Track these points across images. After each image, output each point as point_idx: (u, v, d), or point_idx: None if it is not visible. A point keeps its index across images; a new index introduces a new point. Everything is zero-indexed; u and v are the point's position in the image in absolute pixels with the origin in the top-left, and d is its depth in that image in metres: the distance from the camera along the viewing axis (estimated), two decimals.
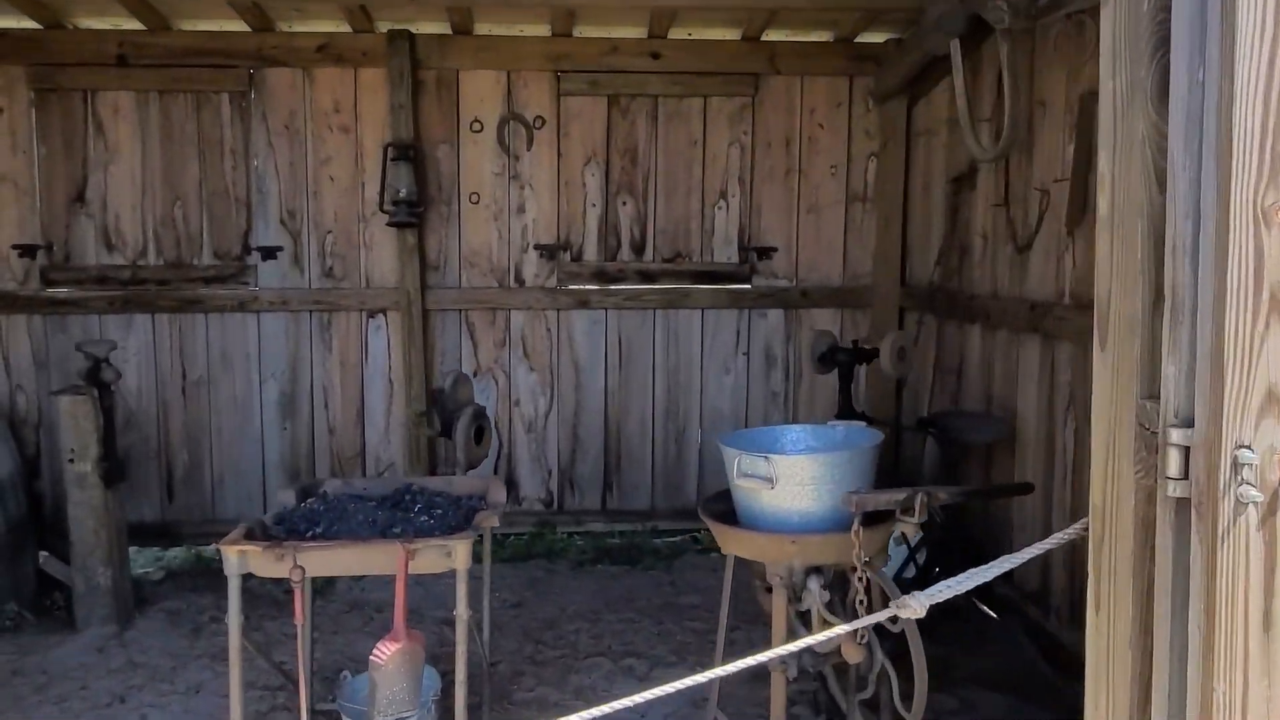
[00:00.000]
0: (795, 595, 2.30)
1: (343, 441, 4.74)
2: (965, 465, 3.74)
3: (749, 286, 4.84)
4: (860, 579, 2.05)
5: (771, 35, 4.64)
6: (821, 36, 4.68)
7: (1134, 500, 1.25)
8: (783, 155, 4.79)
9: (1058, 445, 3.34)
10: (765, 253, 4.82)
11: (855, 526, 2.05)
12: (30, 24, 4.34)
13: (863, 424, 2.64)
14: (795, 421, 4.91)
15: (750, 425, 4.91)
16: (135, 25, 4.39)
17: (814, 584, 2.23)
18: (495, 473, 4.67)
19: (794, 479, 2.20)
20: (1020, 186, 3.60)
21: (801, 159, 4.80)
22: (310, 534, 2.36)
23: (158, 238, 4.56)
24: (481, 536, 2.56)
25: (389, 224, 4.46)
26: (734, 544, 2.35)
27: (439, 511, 2.56)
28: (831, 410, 4.91)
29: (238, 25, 4.43)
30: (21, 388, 4.56)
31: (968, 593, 3.71)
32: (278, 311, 4.63)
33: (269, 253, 4.60)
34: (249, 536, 2.26)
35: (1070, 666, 3.19)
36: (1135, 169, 1.21)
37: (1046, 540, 1.63)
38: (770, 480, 2.19)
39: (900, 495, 2.13)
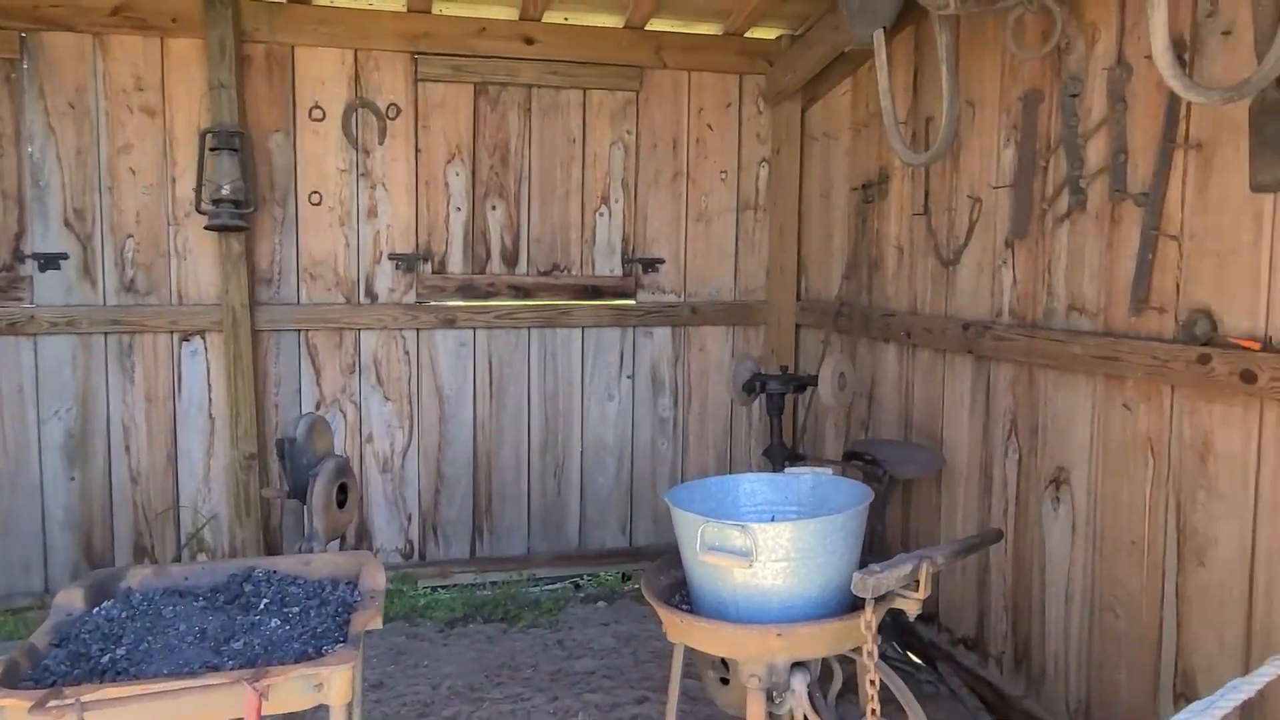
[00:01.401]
0: (772, 696, 1.82)
1: (149, 493, 3.87)
2: (889, 502, 3.40)
3: (634, 302, 4.36)
4: (872, 681, 1.60)
5: (657, 25, 4.19)
6: (710, 29, 4.28)
7: None
8: (670, 157, 4.35)
9: (996, 477, 3.05)
10: (651, 265, 4.36)
11: (868, 616, 1.59)
12: None
13: (827, 469, 2.21)
14: (685, 450, 4.49)
15: (637, 455, 4.44)
16: None
17: (799, 683, 1.76)
18: None
19: (776, 553, 1.72)
20: (945, 194, 3.31)
21: (690, 162, 4.38)
22: (108, 659, 1.66)
23: None
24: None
25: (208, 227, 3.67)
26: (700, 638, 1.84)
27: (295, 609, 1.90)
28: (723, 438, 4.53)
29: None
30: None
31: (895, 642, 3.37)
32: (62, 334, 3.72)
33: (49, 261, 3.69)
34: (9, 674, 1.53)
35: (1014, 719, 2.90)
36: None
37: (1256, 676, 1.20)
38: (748, 555, 1.70)
39: (908, 568, 1.70)
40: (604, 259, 4.31)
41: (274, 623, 1.82)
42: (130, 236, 3.77)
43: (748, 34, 4.30)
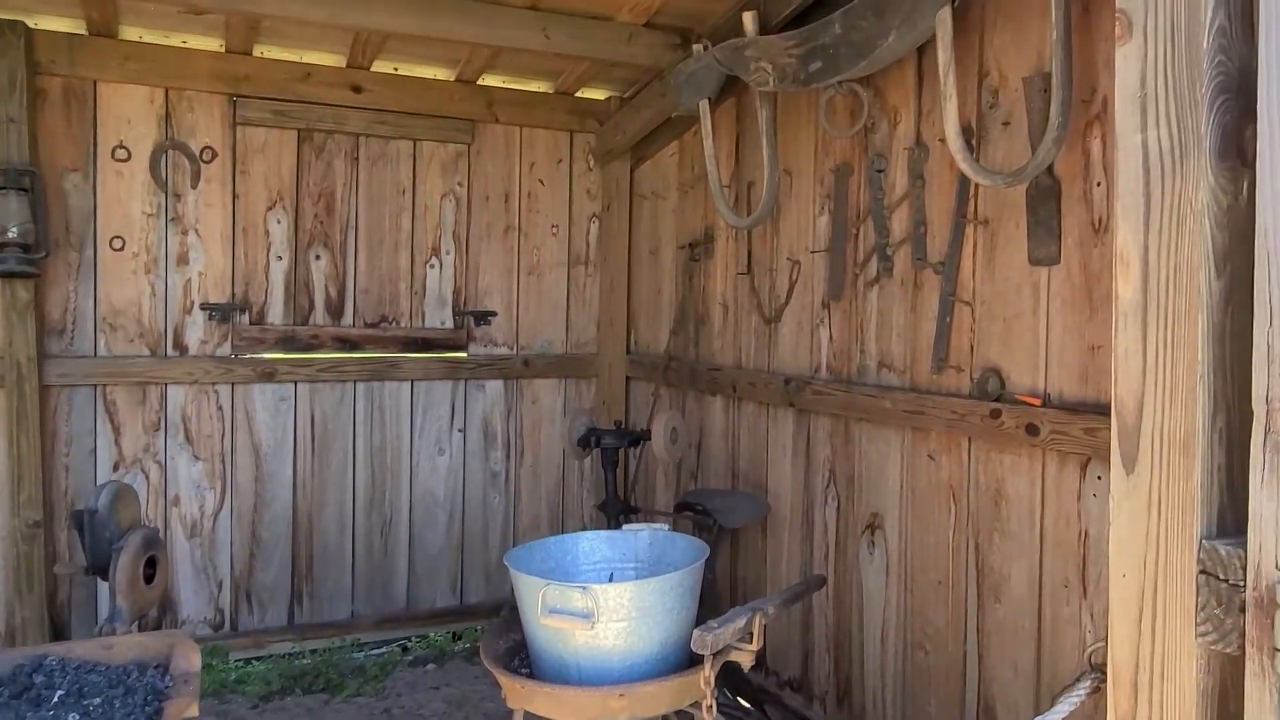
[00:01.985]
0: None
1: None
2: (718, 550, 3.51)
3: (466, 355, 4.31)
4: None
5: (490, 80, 4.22)
6: (542, 87, 4.36)
7: (1194, 670, 0.97)
8: (502, 211, 4.36)
9: (817, 523, 3.22)
10: (483, 317, 4.33)
11: (706, 672, 1.64)
12: None
13: (664, 525, 2.26)
14: (518, 504, 4.45)
15: (469, 510, 4.36)
16: None
17: None
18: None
19: (618, 613, 1.74)
20: (766, 255, 3.50)
21: (521, 216, 4.41)
22: None
23: None
24: None
25: None
26: (542, 703, 1.82)
27: (96, 701, 1.73)
28: (556, 491, 4.53)
29: None
30: None
31: (726, 688, 3.46)
32: None
33: None
34: None
35: None
36: (1189, 247, 0.96)
37: (1055, 711, 1.31)
38: (589, 617, 1.71)
39: (742, 621, 1.76)
40: (434, 311, 4.24)
41: (72, 718, 1.65)
42: None
43: (578, 93, 4.41)
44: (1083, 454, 2.24)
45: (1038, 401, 2.36)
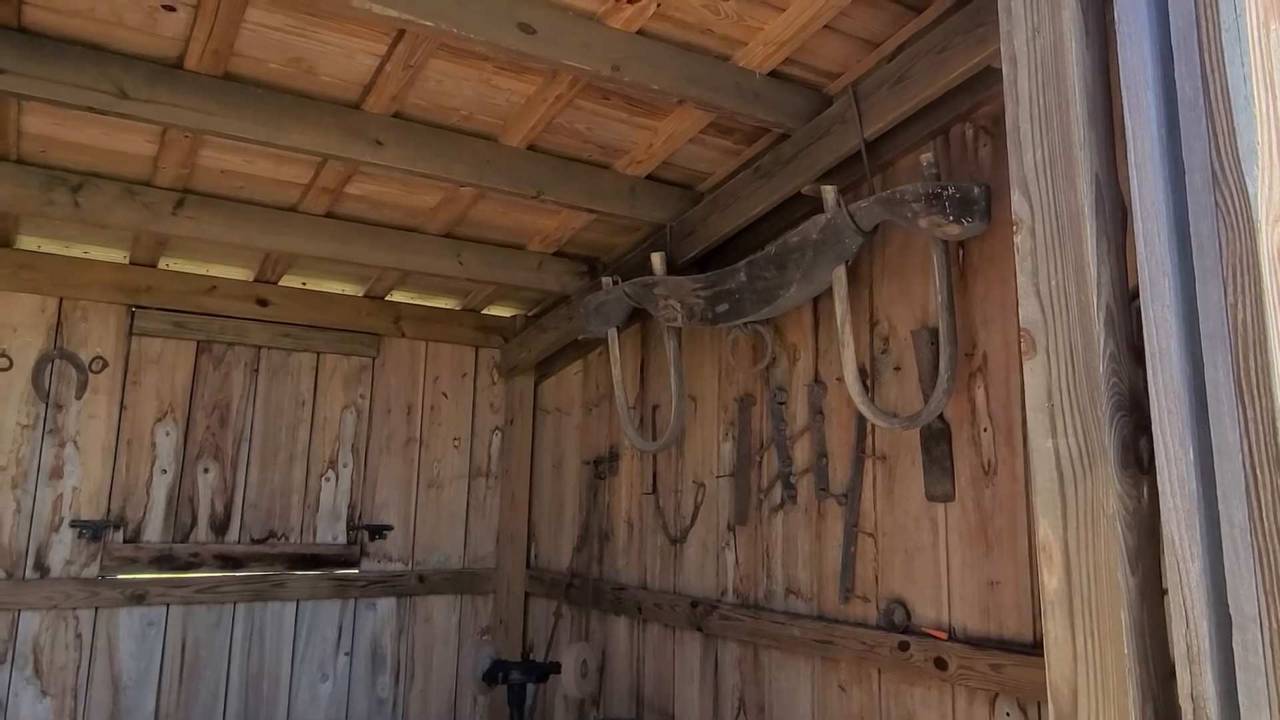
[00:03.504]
0: None
1: None
2: None
3: (357, 571, 4.13)
4: None
5: (397, 296, 4.31)
6: (449, 304, 4.47)
7: None
8: (403, 423, 4.33)
9: None
10: (379, 531, 4.19)
11: None
12: None
13: None
14: None
15: None
16: None
17: None
18: None
19: None
20: (671, 476, 3.57)
21: (424, 429, 4.38)
22: None
23: None
24: None
25: None
26: None
27: None
28: (447, 718, 4.26)
29: None
30: None
31: None
32: None
33: None
34: None
35: None
36: (1104, 546, 1.05)
37: None
38: None
39: None
40: (327, 526, 4.08)
41: None
42: None
43: (484, 310, 4.54)
44: (990, 690, 2.29)
45: (944, 635, 2.42)
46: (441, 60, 2.58)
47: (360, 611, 4.12)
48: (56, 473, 3.56)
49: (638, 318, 3.68)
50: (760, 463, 3.14)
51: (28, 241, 3.57)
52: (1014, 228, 1.16)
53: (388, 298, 4.29)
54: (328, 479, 4.11)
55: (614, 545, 3.88)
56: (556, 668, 3.28)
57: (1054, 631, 1.10)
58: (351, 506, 4.15)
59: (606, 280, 3.43)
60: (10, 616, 3.43)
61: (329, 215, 3.45)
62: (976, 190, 2.17)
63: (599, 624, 3.90)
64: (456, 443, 4.46)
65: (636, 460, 3.80)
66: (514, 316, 4.58)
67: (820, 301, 2.95)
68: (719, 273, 2.93)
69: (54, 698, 3.47)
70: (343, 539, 4.11)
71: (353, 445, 4.18)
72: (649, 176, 3.26)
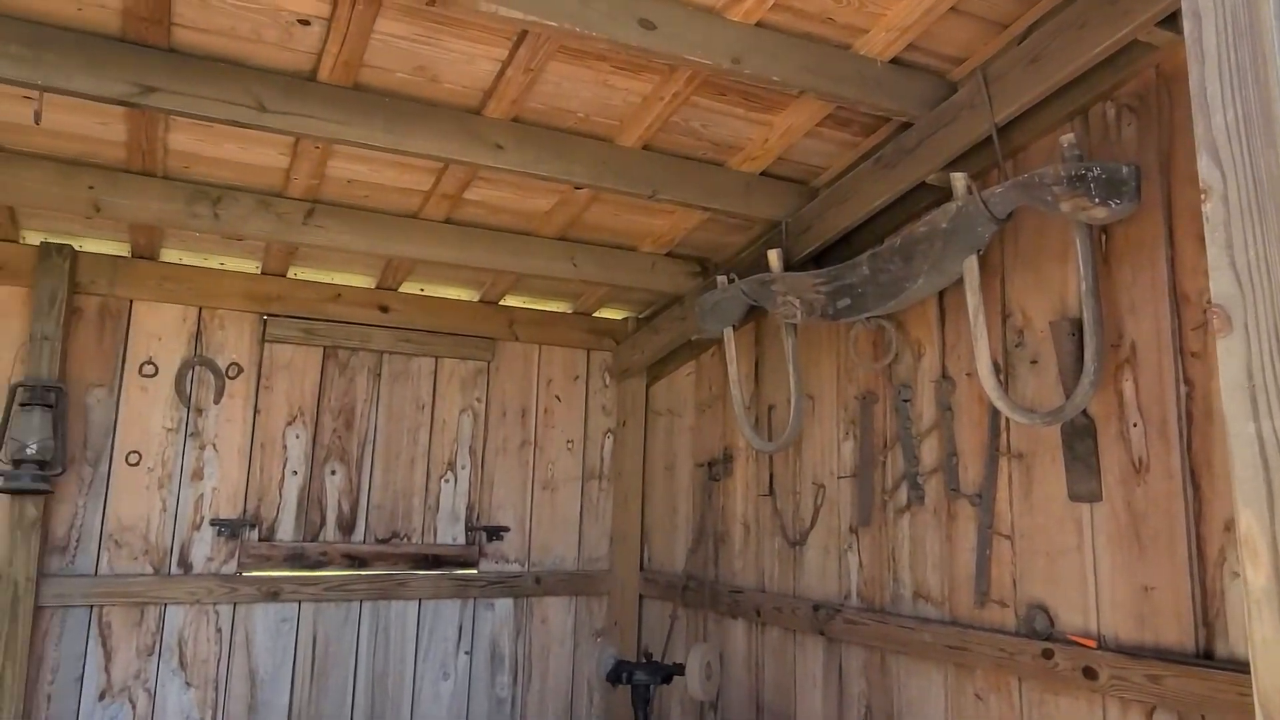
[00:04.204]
0: None
1: None
2: None
3: (476, 572, 4.20)
4: None
5: (510, 300, 4.38)
6: (561, 307, 4.52)
7: None
8: (518, 426, 4.39)
9: None
10: (496, 533, 4.26)
11: None
12: None
13: None
14: None
15: None
16: None
17: None
18: None
19: None
20: (789, 478, 3.51)
21: (538, 431, 4.43)
22: None
23: None
24: None
25: (3, 490, 3.26)
26: None
27: None
28: (564, 719, 4.28)
29: None
30: None
31: None
32: None
33: None
34: None
35: None
36: None
37: None
38: None
39: None
40: (447, 526, 4.17)
41: None
42: None
43: (596, 314, 4.56)
44: (1147, 702, 2.15)
45: (1093, 643, 2.29)
46: (560, 63, 2.61)
47: (479, 611, 4.18)
48: (197, 474, 3.74)
49: (751, 317, 3.64)
50: (884, 463, 3.05)
51: (171, 254, 3.77)
52: (1202, 196, 1.07)
53: (502, 302, 4.36)
54: (447, 480, 4.20)
55: (730, 547, 3.84)
56: (680, 669, 3.25)
57: (1262, 633, 1.01)
58: (469, 508, 4.23)
59: (721, 278, 3.40)
60: (158, 610, 3.61)
61: (448, 221, 3.53)
62: (1125, 170, 2.05)
63: (715, 627, 3.86)
64: (570, 445, 4.49)
65: (752, 461, 3.75)
66: (625, 319, 4.60)
67: (946, 295, 2.85)
68: (840, 267, 2.86)
69: (197, 689, 3.64)
70: (462, 540, 4.19)
71: (470, 447, 4.26)
72: (764, 173, 3.22)
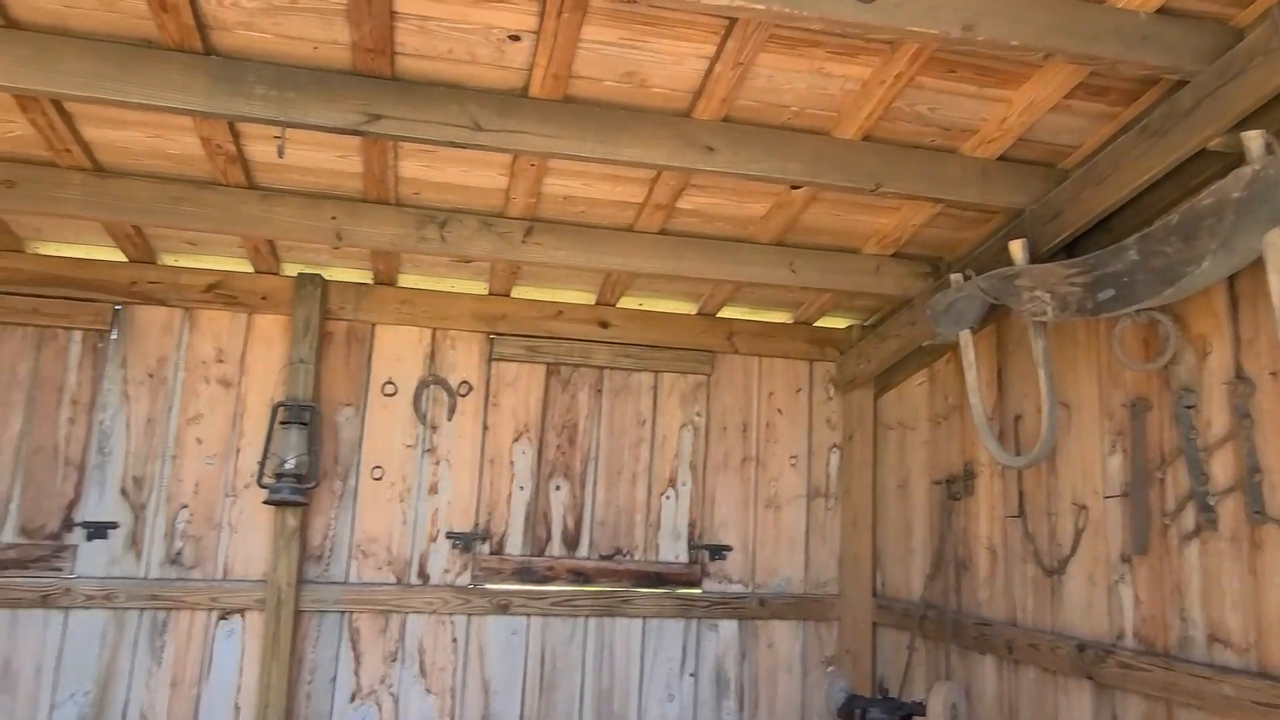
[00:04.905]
0: None
1: None
2: None
3: (699, 591, 4.09)
4: None
5: (729, 312, 4.26)
6: (781, 317, 4.34)
7: None
8: (739, 441, 4.25)
9: None
10: (718, 552, 4.13)
11: None
12: None
13: None
14: None
15: None
16: None
17: None
18: None
19: None
20: (1042, 497, 3.12)
21: (759, 446, 4.27)
22: None
23: None
24: None
25: (267, 501, 3.56)
26: None
27: None
28: None
29: (111, 254, 3.69)
30: None
31: None
32: (96, 608, 3.51)
33: (98, 530, 3.56)
34: None
35: None
36: None
37: None
38: None
39: None
40: (669, 544, 4.10)
41: None
42: (185, 507, 3.66)
43: (817, 323, 4.35)
44: None
45: None
46: (771, 54, 2.46)
47: (703, 632, 4.06)
48: (433, 488, 3.90)
49: (991, 318, 3.29)
50: (1162, 480, 2.62)
51: (407, 279, 3.99)
52: None
53: (720, 314, 4.25)
54: (668, 497, 4.13)
55: (973, 575, 3.47)
56: (920, 709, 2.96)
57: None
58: (691, 525, 4.13)
59: (956, 277, 3.09)
60: (400, 619, 3.79)
61: (663, 232, 3.47)
62: None
63: (959, 661, 3.50)
64: (793, 461, 4.29)
65: (998, 479, 3.38)
66: (849, 327, 4.34)
67: (1239, 279, 2.40)
68: (1100, 254, 2.49)
69: (436, 696, 3.78)
70: (684, 558, 4.10)
71: (690, 463, 4.17)
72: (1002, 157, 2.90)
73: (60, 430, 3.60)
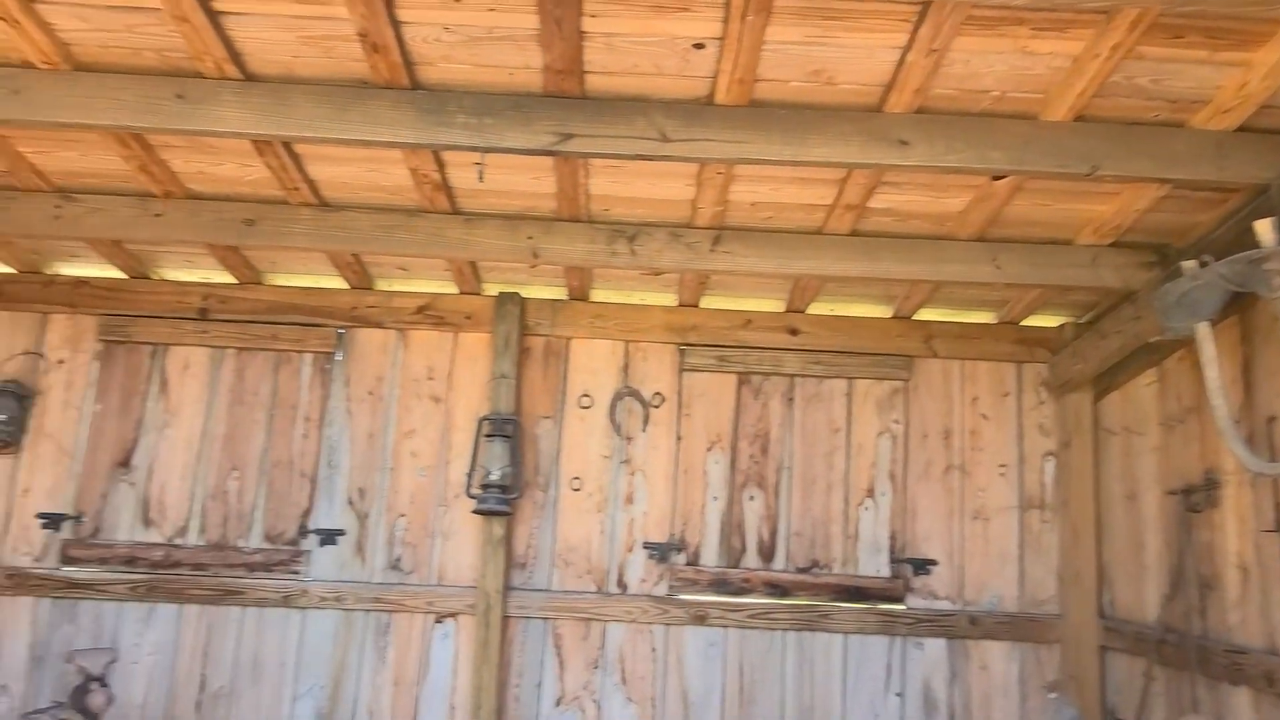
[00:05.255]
0: None
1: None
2: None
3: (903, 607, 3.91)
4: None
5: (926, 314, 4.07)
6: (984, 318, 4.10)
7: None
8: (941, 449, 4.04)
9: None
10: (922, 565, 3.94)
11: None
12: (114, 273, 4.00)
13: None
14: None
15: None
16: (225, 279, 4.02)
17: None
18: None
19: None
20: None
21: (964, 454, 4.04)
22: None
23: (203, 513, 3.88)
24: None
25: (475, 511, 3.74)
26: None
27: None
28: None
29: (334, 282, 4.03)
30: (7, 689, 3.71)
31: None
32: (328, 609, 3.81)
33: (328, 537, 3.87)
34: None
35: None
36: None
37: None
38: None
39: None
40: (869, 557, 3.95)
41: None
42: (402, 516, 3.91)
43: (1024, 322, 4.07)
44: None
45: None
46: (968, 36, 2.33)
47: (908, 651, 3.88)
48: (629, 499, 3.96)
49: (1234, 308, 2.95)
50: None
51: (599, 294, 4.09)
52: None
53: (916, 317, 4.07)
54: (866, 508, 3.98)
55: (1221, 596, 3.11)
56: None
57: None
58: (892, 537, 3.97)
59: (1190, 264, 2.79)
60: (601, 627, 3.86)
61: (854, 234, 3.36)
62: None
63: (1207, 693, 3.14)
64: (1002, 470, 4.03)
65: (1247, 488, 3.01)
66: (1061, 325, 4.04)
67: None
68: None
69: (637, 704, 3.82)
70: (885, 571, 3.93)
71: (889, 472, 4.01)
72: (1241, 128, 2.61)
73: (295, 445, 3.95)
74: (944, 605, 3.92)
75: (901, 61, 2.42)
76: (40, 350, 3.98)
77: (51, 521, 3.83)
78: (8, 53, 2.55)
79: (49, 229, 3.33)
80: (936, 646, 3.89)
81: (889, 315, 4.08)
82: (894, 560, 3.94)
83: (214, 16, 2.38)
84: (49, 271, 4.04)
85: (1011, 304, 3.91)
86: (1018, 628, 3.88)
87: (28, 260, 3.94)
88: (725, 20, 2.31)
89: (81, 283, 4.01)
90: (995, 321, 4.09)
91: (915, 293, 3.82)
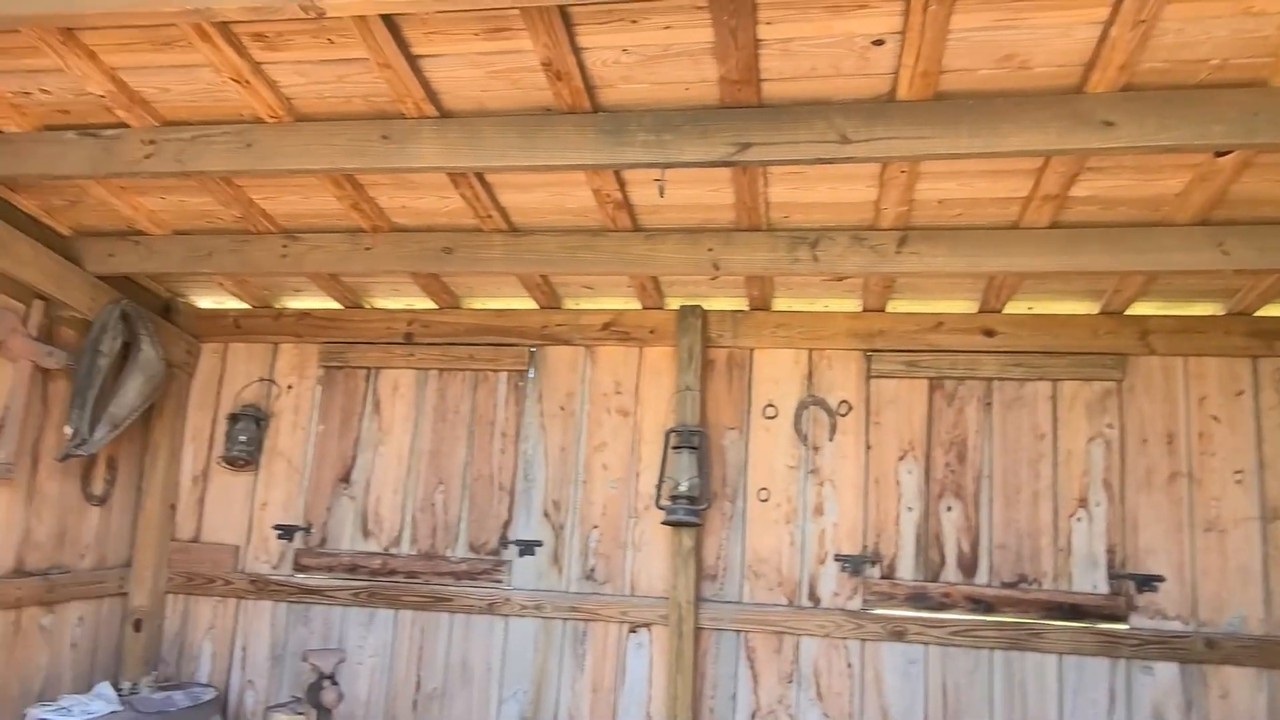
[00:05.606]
0: None
1: None
2: None
3: (1126, 627, 3.60)
4: None
5: (1140, 308, 3.75)
6: (1209, 310, 3.73)
7: None
8: (1164, 455, 3.70)
9: None
10: (1147, 582, 3.61)
11: None
12: (332, 305, 4.37)
13: None
14: None
15: None
16: (427, 304, 4.29)
17: None
18: None
19: None
20: None
21: (1191, 460, 3.68)
22: None
23: (414, 524, 4.15)
24: None
25: (665, 522, 3.78)
26: None
27: None
28: None
29: (525, 303, 4.21)
30: (253, 684, 4.11)
31: None
32: (529, 617, 3.97)
33: (527, 548, 4.03)
34: None
35: None
36: None
37: None
38: None
39: None
40: (1084, 572, 3.67)
41: None
42: (595, 528, 4.01)
43: (1259, 312, 3.67)
44: None
45: None
46: (1180, 2, 2.15)
47: (1134, 675, 3.57)
48: (818, 510, 3.88)
49: None
50: None
51: (780, 303, 4.05)
52: None
53: (1129, 311, 3.76)
54: (1078, 519, 3.70)
55: None
56: None
57: None
58: (1110, 551, 3.66)
59: None
60: (794, 641, 3.80)
61: (1053, 226, 3.16)
62: None
63: None
64: (1239, 477, 3.63)
65: None
66: None
67: None
68: None
69: None
70: (1103, 588, 3.64)
71: (1104, 480, 3.71)
72: None
73: (494, 460, 4.14)
74: (1174, 625, 3.58)
75: (1103, 37, 2.26)
76: (272, 377, 4.41)
77: (286, 532, 4.21)
78: (240, 110, 2.86)
79: (277, 266, 3.68)
80: (1168, 671, 3.55)
81: (1096, 311, 3.79)
82: (1113, 576, 3.64)
83: (413, 60, 2.56)
84: (278, 305, 4.46)
85: (1243, 292, 3.54)
86: (1265, 652, 3.48)
87: (260, 296, 4.37)
88: (906, 13, 2.24)
89: (305, 314, 4.40)
90: (1224, 313, 3.71)
91: (1126, 285, 3.53)
